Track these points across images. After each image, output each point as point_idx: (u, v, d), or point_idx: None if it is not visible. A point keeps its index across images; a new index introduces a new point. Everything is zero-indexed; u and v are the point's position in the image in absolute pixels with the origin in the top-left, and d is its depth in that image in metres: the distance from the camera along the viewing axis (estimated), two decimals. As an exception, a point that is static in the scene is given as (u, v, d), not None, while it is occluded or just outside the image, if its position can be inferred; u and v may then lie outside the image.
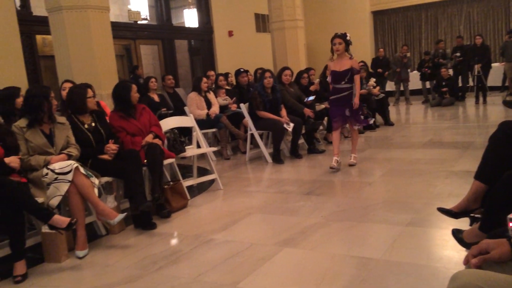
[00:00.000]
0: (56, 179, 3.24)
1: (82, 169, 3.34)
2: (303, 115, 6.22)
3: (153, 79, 6.97)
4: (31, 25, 8.16)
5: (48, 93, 3.53)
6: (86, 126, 3.81)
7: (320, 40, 14.84)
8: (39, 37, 8.61)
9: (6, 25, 7.54)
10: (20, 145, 3.33)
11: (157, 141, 4.12)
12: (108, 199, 3.67)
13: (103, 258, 3.19)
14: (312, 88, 7.01)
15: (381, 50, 12.07)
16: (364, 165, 5.34)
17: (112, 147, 3.75)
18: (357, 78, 5.08)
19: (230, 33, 12.51)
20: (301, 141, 6.51)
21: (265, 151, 6.06)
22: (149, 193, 3.96)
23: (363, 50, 13.76)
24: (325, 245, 3.02)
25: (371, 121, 7.24)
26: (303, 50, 11.34)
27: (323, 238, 3.15)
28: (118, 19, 10.45)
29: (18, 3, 8.13)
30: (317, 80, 7.39)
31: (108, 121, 4.06)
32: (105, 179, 3.71)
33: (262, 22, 13.64)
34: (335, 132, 5.26)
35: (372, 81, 8.31)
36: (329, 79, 5.17)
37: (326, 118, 7.05)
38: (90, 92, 3.87)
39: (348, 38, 4.98)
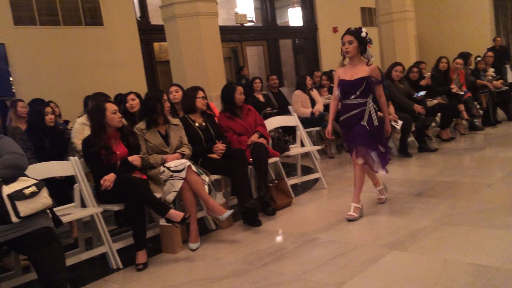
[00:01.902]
0: (171, 176, 3.49)
1: (194, 167, 3.56)
2: (413, 112, 5.91)
3: (257, 80, 7.15)
4: (149, 34, 8.89)
5: (161, 97, 3.82)
6: (197, 125, 4.05)
7: (432, 31, 13.94)
8: (156, 44, 9.34)
9: (129, 34, 8.33)
10: (141, 145, 3.66)
11: (262, 140, 4.23)
12: (217, 196, 3.87)
13: (213, 252, 3.37)
14: (422, 82, 6.61)
15: (498, 39, 10.94)
16: (482, 165, 4.90)
17: (220, 147, 3.94)
18: (379, 91, 3.62)
19: (335, 29, 12.33)
20: (411, 139, 6.20)
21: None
22: (255, 191, 4.09)
23: (483, 40, 12.61)
24: (437, 250, 2.85)
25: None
26: (413, 43, 10.76)
27: (435, 242, 2.97)
28: (225, 23, 10.90)
29: (138, 14, 8.90)
30: (428, 74, 6.96)
31: (217, 121, 4.27)
32: (214, 176, 3.90)
33: (368, 16, 13.22)
34: (356, 167, 3.69)
35: (491, 71, 7.58)
36: (335, 92, 3.70)
37: (439, 114, 6.62)
38: (200, 93, 4.11)
39: (364, 35, 3.49)
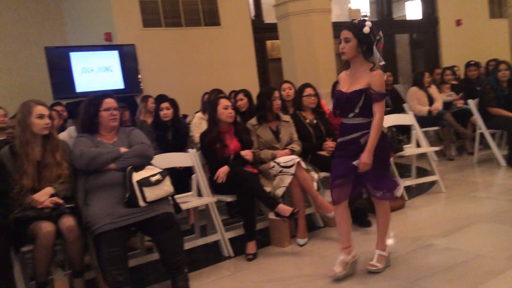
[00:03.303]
0: (281, 171, 3.56)
1: (303, 164, 3.58)
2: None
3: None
4: (263, 32, 9.13)
5: (271, 94, 3.89)
6: (308, 122, 4.07)
7: None
8: (268, 42, 9.57)
9: (243, 33, 8.64)
10: (253, 140, 3.78)
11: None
12: (326, 193, 3.83)
13: (321, 249, 3.36)
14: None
15: None
16: None
17: (329, 144, 3.90)
18: (377, 107, 2.62)
19: (458, 22, 11.42)
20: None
21: (498, 153, 5.35)
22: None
23: None
24: None
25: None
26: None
27: None
28: (338, 19, 10.74)
29: (253, 13, 9.19)
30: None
31: (327, 119, 4.24)
32: (323, 174, 3.88)
33: (497, 7, 12.01)
34: (337, 209, 2.82)
35: None
36: (330, 106, 2.99)
37: None
38: (306, 91, 4.09)
39: (366, 31, 2.59)
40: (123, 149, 2.96)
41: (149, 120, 5.06)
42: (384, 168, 2.73)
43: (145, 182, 2.81)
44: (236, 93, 4.60)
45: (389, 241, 3.13)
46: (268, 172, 3.63)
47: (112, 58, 7.19)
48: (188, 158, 3.63)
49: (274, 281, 2.91)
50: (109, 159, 2.89)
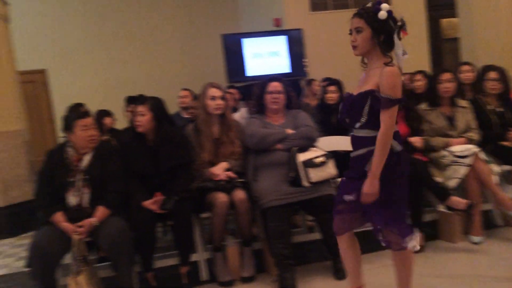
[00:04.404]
0: (454, 162, 3.27)
1: (482, 155, 3.23)
2: None
3: None
4: (438, 10, 8.42)
5: (439, 76, 3.56)
6: (490, 108, 3.63)
7: None
8: (444, 21, 8.78)
9: (415, 11, 8.09)
10: (423, 126, 3.54)
11: None
12: (509, 189, 3.40)
13: (498, 249, 3.03)
14: None
15: None
16: None
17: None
18: (384, 116, 1.99)
19: None
20: None
21: None
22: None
23: None
24: None
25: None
26: None
27: None
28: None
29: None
30: None
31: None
32: (506, 167, 3.44)
33: None
34: (340, 239, 2.27)
35: None
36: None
37: None
38: (490, 75, 3.64)
39: (383, 16, 2.00)
40: (289, 131, 3.08)
41: (313, 102, 5.13)
42: (391, 201, 2.04)
43: (309, 163, 2.88)
44: (413, 74, 4.41)
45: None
46: (440, 161, 3.37)
47: (280, 43, 7.45)
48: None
49: (443, 277, 2.72)
50: (276, 140, 3.03)
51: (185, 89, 5.01)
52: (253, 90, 3.29)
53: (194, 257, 2.97)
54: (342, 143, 3.65)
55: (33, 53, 7.83)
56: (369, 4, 2.04)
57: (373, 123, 2.01)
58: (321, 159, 2.94)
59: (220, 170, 3.02)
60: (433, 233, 3.34)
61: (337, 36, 7.68)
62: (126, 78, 8.40)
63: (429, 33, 8.26)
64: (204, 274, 3.01)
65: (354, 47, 2.08)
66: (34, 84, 8.71)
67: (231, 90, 5.20)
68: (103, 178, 2.80)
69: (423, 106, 3.63)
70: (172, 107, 4.06)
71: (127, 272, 2.71)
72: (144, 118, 2.92)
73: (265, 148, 3.06)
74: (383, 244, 2.17)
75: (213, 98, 3.10)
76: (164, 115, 3.05)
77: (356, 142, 2.13)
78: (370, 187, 1.98)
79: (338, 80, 4.41)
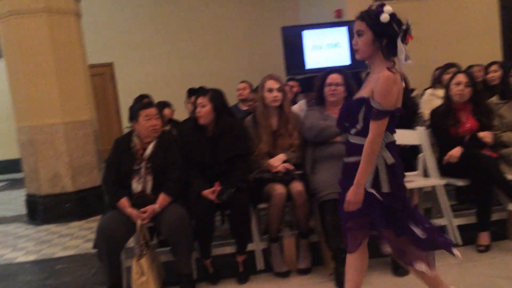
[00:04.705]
0: (528, 158, 3.06)
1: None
2: None
3: None
4: (511, -1, 7.89)
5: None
6: None
7: None
8: (518, 10, 8.21)
9: (486, 1, 7.64)
10: (494, 120, 3.34)
11: None
12: None
13: None
14: None
15: None
16: None
17: None
18: (371, 126, 1.90)
19: None
20: None
21: None
22: None
23: None
24: None
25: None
26: None
27: None
28: None
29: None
30: None
31: None
32: None
33: None
34: (349, 258, 2.13)
35: None
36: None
37: None
38: None
39: (385, 19, 1.88)
40: (348, 123, 3.01)
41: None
42: (393, 215, 1.96)
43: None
44: (489, 64, 4.26)
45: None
46: (511, 158, 3.17)
47: (341, 35, 7.30)
48: (416, 136, 3.45)
49: (511, 279, 2.56)
50: (335, 133, 2.98)
51: (244, 82, 5.06)
52: (313, 82, 3.26)
53: (250, 247, 3.01)
54: (406, 136, 3.53)
55: (102, 47, 8.25)
56: (374, 7, 1.94)
57: (367, 131, 1.91)
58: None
59: (278, 162, 3.02)
60: (501, 233, 3.15)
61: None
62: (188, 70, 8.63)
63: (502, 23, 7.76)
64: (260, 263, 3.04)
65: (356, 51, 2.00)
66: (102, 77, 9.18)
67: (291, 83, 5.18)
68: (164, 166, 2.90)
69: (494, 99, 3.42)
70: (232, 100, 4.12)
71: (185, 258, 2.79)
72: (204, 109, 2.98)
73: (324, 141, 3.02)
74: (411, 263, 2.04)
75: (271, 90, 3.10)
76: (224, 107, 3.09)
77: (349, 149, 2.05)
78: (353, 195, 1.93)
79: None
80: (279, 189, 2.87)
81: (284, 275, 2.92)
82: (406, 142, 3.58)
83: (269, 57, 8.22)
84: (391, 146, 1.97)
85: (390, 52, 1.92)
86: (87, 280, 3.23)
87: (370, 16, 1.92)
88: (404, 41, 1.89)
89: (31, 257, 3.87)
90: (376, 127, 1.87)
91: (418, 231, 1.96)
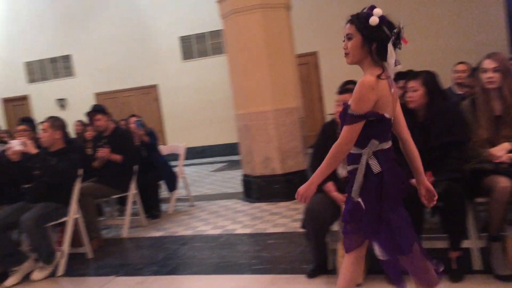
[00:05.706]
0: None
1: None
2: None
3: None
4: None
5: None
6: None
7: None
8: None
9: None
10: None
11: None
12: None
13: None
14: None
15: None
16: None
17: None
18: (344, 131, 1.81)
19: None
20: None
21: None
22: None
23: None
24: None
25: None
26: None
27: None
28: None
29: None
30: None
31: None
32: None
33: None
34: (347, 257, 2.01)
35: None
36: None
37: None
38: None
39: (374, 22, 1.74)
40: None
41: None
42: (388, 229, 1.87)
43: None
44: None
45: None
46: None
47: None
48: None
49: None
50: None
51: (462, 63, 4.55)
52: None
53: (465, 244, 2.74)
54: None
55: (307, 37, 8.58)
56: (358, 13, 1.85)
57: (358, 140, 1.85)
58: None
59: (502, 152, 2.66)
60: None
61: None
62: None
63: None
64: (477, 263, 2.75)
65: (346, 55, 1.90)
66: (307, 66, 9.59)
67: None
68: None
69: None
70: (445, 82, 3.80)
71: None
72: (416, 93, 2.81)
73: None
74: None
75: (485, 70, 2.75)
76: (437, 90, 2.86)
77: (347, 157, 1.95)
78: (304, 189, 1.93)
79: None
80: (503, 182, 2.53)
81: (507, 278, 2.57)
82: None
83: (488, 32, 7.27)
84: (381, 154, 1.86)
85: (379, 57, 1.82)
86: (295, 256, 3.45)
87: (359, 19, 1.83)
88: (398, 45, 1.79)
89: (247, 230, 4.33)
90: (347, 131, 1.83)
91: (377, 250, 1.90)
